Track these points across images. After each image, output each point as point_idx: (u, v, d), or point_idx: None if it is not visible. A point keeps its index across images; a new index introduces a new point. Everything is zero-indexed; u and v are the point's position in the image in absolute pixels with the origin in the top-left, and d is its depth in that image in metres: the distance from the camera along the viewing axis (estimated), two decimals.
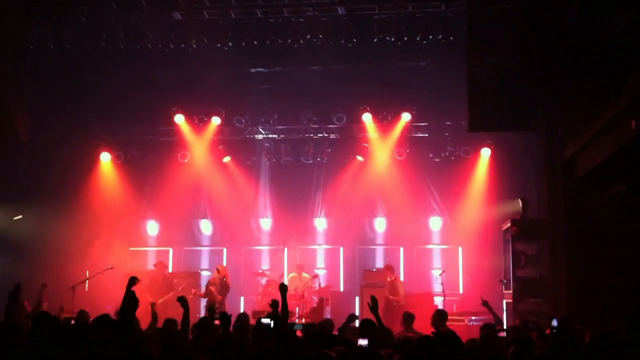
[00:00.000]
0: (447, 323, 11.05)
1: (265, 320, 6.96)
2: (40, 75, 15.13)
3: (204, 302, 14.35)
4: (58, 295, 13.30)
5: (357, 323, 8.39)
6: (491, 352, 6.62)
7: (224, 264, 16.33)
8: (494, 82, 12.19)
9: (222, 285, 13.73)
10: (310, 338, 6.78)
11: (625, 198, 10.54)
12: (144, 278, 14.60)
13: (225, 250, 17.48)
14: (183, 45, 14.95)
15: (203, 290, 14.38)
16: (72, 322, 8.25)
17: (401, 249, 16.96)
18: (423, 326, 9.58)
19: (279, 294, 13.56)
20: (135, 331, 6.24)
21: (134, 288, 6.25)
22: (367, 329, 6.72)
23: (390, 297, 14.14)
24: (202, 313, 13.96)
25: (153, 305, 9.00)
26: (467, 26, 12.63)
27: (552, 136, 12.59)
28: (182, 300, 7.57)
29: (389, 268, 14.87)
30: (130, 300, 6.19)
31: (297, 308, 14.27)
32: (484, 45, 12.17)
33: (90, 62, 15.16)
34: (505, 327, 10.68)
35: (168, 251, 17.39)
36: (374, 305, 7.41)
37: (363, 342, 5.92)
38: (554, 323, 8.04)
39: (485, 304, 9.75)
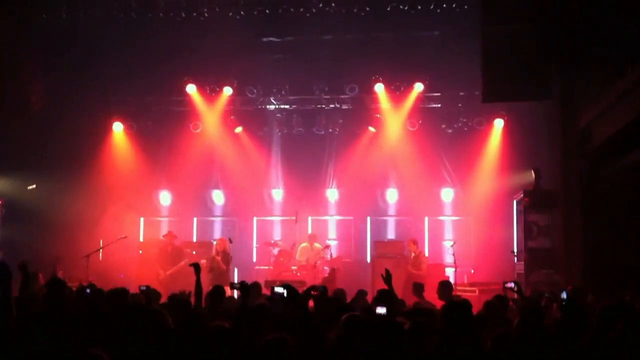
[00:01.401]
0: (460, 294, 11.13)
1: (279, 289, 6.98)
2: (53, 44, 15.11)
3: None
4: (72, 264, 13.46)
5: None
6: (498, 320, 6.63)
7: (235, 234, 16.36)
8: (508, 51, 12.09)
9: (224, 256, 13.74)
10: (324, 306, 6.81)
11: (638, 167, 10.46)
12: (153, 248, 14.76)
13: (237, 220, 17.50)
14: (195, 14, 14.87)
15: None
16: (87, 291, 8.29)
17: (413, 220, 16.94)
18: (434, 297, 9.60)
19: (290, 263, 13.65)
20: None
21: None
22: (384, 297, 6.73)
23: (413, 271, 14.04)
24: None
25: None
26: None
27: (567, 105, 12.50)
28: (196, 266, 7.68)
29: (414, 242, 14.72)
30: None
31: (309, 279, 14.30)
32: (499, 13, 12.03)
33: (102, 31, 15.11)
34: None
35: (181, 221, 17.47)
36: (387, 278, 7.42)
37: (381, 310, 5.93)
38: (564, 295, 8.04)
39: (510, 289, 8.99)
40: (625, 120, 9.93)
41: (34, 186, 15.83)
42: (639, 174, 10.58)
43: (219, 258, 13.78)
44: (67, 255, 14.03)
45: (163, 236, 15.18)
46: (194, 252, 15.03)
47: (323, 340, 5.16)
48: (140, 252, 15.34)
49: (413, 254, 14.41)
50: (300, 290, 7.44)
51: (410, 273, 13.77)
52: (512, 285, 8.00)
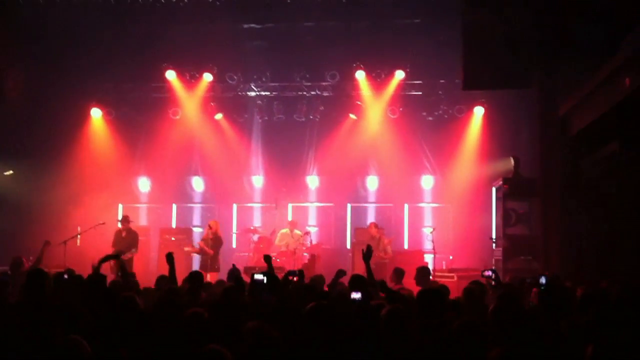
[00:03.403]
0: (438, 280, 11.19)
1: (259, 277, 6.99)
2: (30, 30, 14.90)
3: (196, 258, 14.40)
4: (50, 250, 13.33)
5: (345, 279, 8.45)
6: (476, 307, 6.66)
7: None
8: (489, 39, 12.07)
9: (214, 240, 13.70)
10: (302, 293, 6.81)
11: (618, 155, 10.55)
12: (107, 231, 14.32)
13: (217, 207, 17.46)
14: (174, 0, 14.72)
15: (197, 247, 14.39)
16: (65, 276, 8.23)
17: (393, 207, 16.99)
18: (413, 282, 9.65)
19: (270, 250, 13.70)
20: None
21: None
22: (358, 283, 6.74)
23: (384, 256, 14.03)
24: (196, 268, 13.97)
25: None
26: None
27: (546, 94, 12.57)
28: (169, 257, 7.68)
29: (376, 225, 14.65)
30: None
31: (289, 265, 14.31)
32: (480, 1, 12.03)
33: (80, 16, 14.91)
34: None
35: (160, 207, 17.40)
36: (367, 253, 7.47)
37: (356, 295, 5.96)
38: (542, 280, 8.09)
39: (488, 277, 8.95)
40: (602, 110, 10.02)
41: (11, 172, 15.64)
42: (617, 163, 10.67)
43: (201, 244, 13.70)
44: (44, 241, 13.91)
45: (119, 221, 14.27)
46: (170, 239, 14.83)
47: (296, 328, 5.16)
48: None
49: (378, 237, 14.19)
50: (280, 276, 7.48)
51: (381, 258, 13.71)
52: (489, 273, 8.06)
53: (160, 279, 8.67)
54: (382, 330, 5.03)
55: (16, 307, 6.17)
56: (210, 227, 13.88)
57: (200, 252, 13.78)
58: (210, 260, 13.38)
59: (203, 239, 13.96)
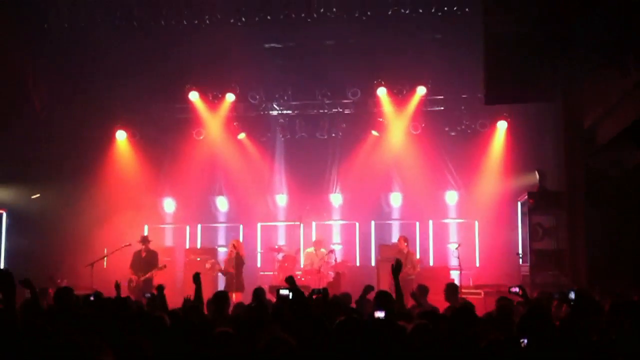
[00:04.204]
0: (465, 296, 11.09)
1: (284, 292, 6.96)
2: (57, 52, 15.15)
3: (222, 278, 14.40)
4: (76, 272, 13.45)
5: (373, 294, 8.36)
6: (507, 323, 6.58)
7: (240, 239, 16.36)
8: (510, 52, 12.01)
9: (236, 260, 13.68)
10: (327, 310, 6.77)
11: None
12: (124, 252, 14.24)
13: (241, 226, 17.49)
14: (197, 22, 14.89)
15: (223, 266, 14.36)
16: (91, 298, 8.28)
17: (417, 224, 16.90)
18: (439, 299, 9.57)
19: (294, 269, 13.63)
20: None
21: None
22: (382, 300, 6.63)
23: (412, 272, 13.89)
24: (221, 288, 13.98)
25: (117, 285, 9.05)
26: None
27: (571, 106, 12.46)
28: (196, 278, 7.74)
29: (406, 239, 14.51)
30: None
31: (314, 283, 14.27)
32: (501, 15, 11.97)
33: (105, 39, 15.14)
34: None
35: (185, 228, 17.47)
36: (397, 267, 7.31)
37: (380, 314, 5.87)
38: (572, 295, 7.97)
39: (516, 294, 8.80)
40: (629, 120, 9.91)
41: (38, 195, 15.83)
42: None
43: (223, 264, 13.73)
44: (72, 263, 14.03)
45: (138, 241, 14.06)
46: (166, 261, 14.75)
47: (323, 344, 5.12)
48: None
49: (406, 252, 14.08)
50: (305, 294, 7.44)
51: (407, 274, 13.61)
52: (517, 290, 7.96)
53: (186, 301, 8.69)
54: (405, 349, 4.96)
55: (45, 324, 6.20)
56: (233, 247, 13.88)
57: (223, 271, 13.76)
58: (234, 280, 13.36)
59: (226, 259, 13.97)
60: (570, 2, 10.87)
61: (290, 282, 7.24)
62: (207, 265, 14.35)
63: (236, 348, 5.09)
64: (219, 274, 14.54)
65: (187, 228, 17.50)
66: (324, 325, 5.33)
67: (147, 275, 13.28)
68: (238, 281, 13.34)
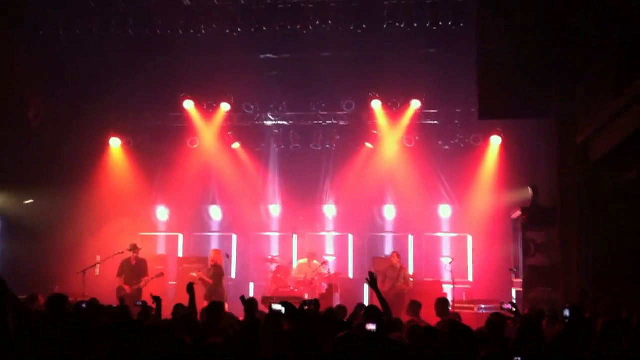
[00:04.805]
0: (458, 311, 11.10)
1: (277, 307, 6.97)
2: (51, 60, 15.14)
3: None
4: (69, 279, 13.41)
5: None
6: (499, 339, 6.60)
7: (234, 249, 16.35)
8: (504, 68, 12.10)
9: (214, 270, 13.60)
10: (322, 323, 6.78)
11: (637, 183, 10.46)
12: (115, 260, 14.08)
13: (234, 236, 17.46)
14: (192, 31, 14.87)
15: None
16: (83, 306, 8.27)
17: (410, 237, 16.90)
18: (432, 314, 9.57)
19: (287, 279, 13.59)
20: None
21: None
22: (373, 314, 6.67)
23: (405, 287, 13.88)
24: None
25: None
26: (479, 9, 12.50)
27: (564, 122, 12.52)
28: (189, 288, 7.76)
29: (398, 255, 14.58)
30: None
31: (307, 294, 14.26)
32: (496, 30, 12.06)
33: (100, 47, 15.15)
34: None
35: (178, 237, 17.44)
36: (372, 281, 7.40)
37: (371, 327, 5.92)
38: (567, 313, 7.99)
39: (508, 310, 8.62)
40: (622, 136, 9.96)
41: (31, 201, 15.79)
42: (636, 191, 10.58)
43: (200, 274, 13.54)
44: (64, 270, 13.98)
45: (128, 250, 13.90)
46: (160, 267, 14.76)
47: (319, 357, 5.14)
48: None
49: (399, 267, 14.14)
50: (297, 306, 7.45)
51: (401, 289, 13.67)
52: (509, 306, 7.98)
53: (178, 308, 8.68)
54: None
55: (38, 333, 6.17)
56: (210, 258, 13.84)
57: (200, 281, 13.46)
58: (212, 291, 13.25)
59: (204, 270, 13.84)
60: (564, 19, 10.97)
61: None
62: (193, 274, 13.92)
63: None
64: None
65: (180, 237, 17.45)
66: (317, 341, 5.35)
67: (141, 284, 13.26)
68: (217, 292, 13.20)
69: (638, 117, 9.18)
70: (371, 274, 7.53)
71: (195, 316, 7.57)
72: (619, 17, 9.84)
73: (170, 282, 15.70)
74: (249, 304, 7.85)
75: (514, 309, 7.87)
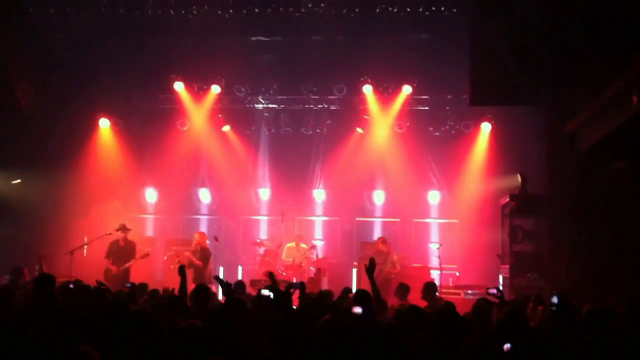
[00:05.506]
0: (444, 297, 11.15)
1: (265, 292, 6.96)
2: (41, 41, 15.00)
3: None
4: (56, 259, 13.36)
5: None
6: (484, 324, 6.63)
7: (221, 233, 16.28)
8: (496, 55, 12.11)
9: (201, 252, 13.61)
10: (309, 308, 6.77)
11: (625, 173, 10.52)
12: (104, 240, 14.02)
13: (223, 219, 17.44)
14: (184, 12, 14.82)
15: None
16: (70, 286, 8.24)
17: (399, 222, 16.95)
18: (418, 298, 9.61)
19: (276, 263, 13.60)
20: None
21: None
22: (361, 298, 6.69)
23: (392, 271, 13.94)
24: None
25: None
26: None
27: (555, 110, 12.57)
28: (181, 270, 7.74)
29: (384, 241, 14.61)
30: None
31: (295, 278, 14.27)
32: (488, 18, 12.05)
33: (90, 28, 15.04)
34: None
35: (166, 219, 17.41)
36: (370, 267, 7.37)
37: (357, 309, 5.96)
38: (555, 300, 8.03)
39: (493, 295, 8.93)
40: (611, 127, 10.01)
41: (19, 181, 15.69)
42: (624, 181, 10.64)
43: (187, 254, 13.55)
44: (52, 250, 13.93)
45: (116, 230, 13.85)
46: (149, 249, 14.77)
47: (306, 341, 5.15)
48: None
49: (386, 251, 14.15)
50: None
51: (389, 273, 13.72)
52: (494, 291, 8.02)
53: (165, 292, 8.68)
54: (386, 345, 5.00)
55: (25, 315, 6.15)
56: (195, 241, 13.82)
57: (189, 264, 13.36)
58: (202, 272, 13.26)
59: (191, 252, 13.83)
60: (556, 10, 10.97)
61: (272, 277, 7.26)
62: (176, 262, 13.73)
63: (207, 342, 5.11)
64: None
65: (169, 219, 17.41)
66: (303, 324, 5.36)
67: (127, 265, 13.22)
68: (205, 275, 13.21)
69: (627, 108, 9.21)
70: (372, 261, 7.48)
71: (185, 299, 7.53)
72: (608, 8, 9.85)
73: (158, 264, 15.67)
74: (227, 286, 7.78)
75: (500, 294, 7.90)
